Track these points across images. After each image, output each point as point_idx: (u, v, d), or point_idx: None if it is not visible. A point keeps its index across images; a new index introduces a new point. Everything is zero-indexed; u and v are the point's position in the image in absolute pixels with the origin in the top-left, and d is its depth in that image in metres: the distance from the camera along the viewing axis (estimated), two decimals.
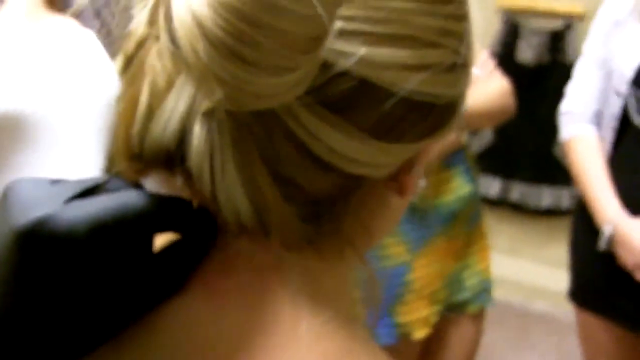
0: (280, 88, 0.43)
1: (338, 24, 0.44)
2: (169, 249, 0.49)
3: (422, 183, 0.56)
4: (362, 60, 0.45)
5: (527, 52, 3.34)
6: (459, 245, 1.83)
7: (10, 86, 1.12)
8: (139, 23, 0.46)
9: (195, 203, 0.49)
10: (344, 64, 0.44)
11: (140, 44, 0.48)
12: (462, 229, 1.83)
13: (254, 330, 0.48)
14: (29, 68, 1.15)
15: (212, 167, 0.46)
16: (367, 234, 0.54)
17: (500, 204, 3.54)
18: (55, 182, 0.49)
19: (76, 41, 1.22)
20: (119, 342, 0.49)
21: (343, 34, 0.44)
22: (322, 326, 0.49)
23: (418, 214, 1.75)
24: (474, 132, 3.39)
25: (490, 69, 1.81)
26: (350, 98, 0.45)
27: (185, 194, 0.49)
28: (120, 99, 0.50)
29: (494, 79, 1.81)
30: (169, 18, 0.42)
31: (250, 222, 0.47)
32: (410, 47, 0.46)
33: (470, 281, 1.87)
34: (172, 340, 0.49)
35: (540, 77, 3.34)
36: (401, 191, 0.53)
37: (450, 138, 1.68)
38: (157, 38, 0.44)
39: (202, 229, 0.49)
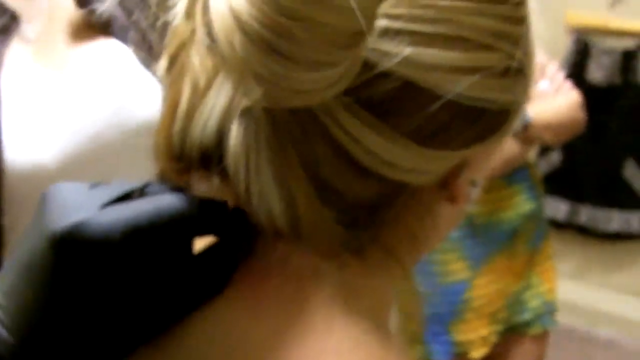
0: (319, 84, 0.41)
1: (382, 22, 0.42)
2: (206, 252, 0.49)
3: (475, 191, 0.53)
4: (407, 61, 0.43)
5: (597, 72, 3.27)
6: (521, 264, 1.80)
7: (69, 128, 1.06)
8: (176, 15, 0.45)
9: (231, 204, 0.48)
10: (387, 63, 0.43)
11: (183, 44, 0.48)
12: (524, 247, 1.80)
13: (287, 338, 0.47)
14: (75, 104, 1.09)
15: (247, 166, 0.45)
16: (413, 243, 0.51)
17: (568, 227, 3.47)
18: (94, 186, 0.49)
19: (117, 69, 1.14)
20: (154, 345, 0.49)
21: (387, 32, 0.42)
22: (355, 338, 0.47)
23: (479, 230, 1.72)
24: (542, 152, 3.33)
25: (559, 82, 1.78)
26: (392, 100, 0.44)
27: (222, 195, 0.48)
28: (163, 98, 0.50)
29: (564, 91, 1.77)
30: (206, 10, 0.41)
31: (283, 224, 0.46)
32: (460, 49, 0.44)
33: (533, 302, 1.83)
34: (206, 345, 0.48)
35: (611, 97, 3.26)
36: (452, 199, 0.50)
37: (515, 153, 1.66)
38: (194, 32, 0.44)
39: (239, 232, 0.48)
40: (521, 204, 1.77)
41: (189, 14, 0.44)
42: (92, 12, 1.10)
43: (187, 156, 0.48)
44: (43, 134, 1.02)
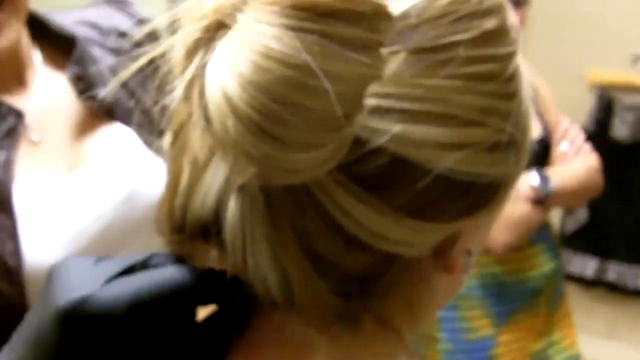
0: (309, 164, 0.42)
1: (371, 102, 0.43)
2: (206, 321, 0.51)
3: (472, 260, 0.53)
4: (397, 138, 0.44)
5: (621, 129, 3.27)
6: (542, 323, 1.81)
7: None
8: (174, 99, 0.46)
9: (229, 274, 0.49)
10: (377, 141, 0.43)
11: (185, 122, 0.50)
12: (546, 306, 1.81)
13: None
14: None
15: (243, 240, 0.47)
16: (410, 313, 0.52)
17: (596, 284, 3.43)
18: (98, 260, 0.51)
19: (122, 157, 1.12)
20: None
21: (376, 111, 0.43)
22: None
23: (503, 288, 1.75)
24: (568, 211, 3.32)
25: (579, 144, 1.79)
26: (383, 175, 0.45)
27: (221, 265, 0.50)
28: (167, 173, 0.52)
29: (582, 156, 1.78)
30: (202, 94, 0.43)
31: (277, 295, 0.47)
32: (449, 125, 0.45)
33: (557, 358, 1.82)
34: None
35: (635, 154, 3.26)
36: (448, 269, 0.51)
37: (537, 220, 1.69)
38: (191, 114, 0.45)
39: (238, 301, 0.50)
40: (543, 264, 1.80)
41: (187, 97, 0.45)
42: (93, 98, 1.10)
43: (187, 229, 0.50)
44: (51, 237, 1.03)
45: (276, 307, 0.49)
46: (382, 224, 0.45)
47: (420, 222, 0.46)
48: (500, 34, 0.48)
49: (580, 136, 1.81)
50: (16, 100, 1.07)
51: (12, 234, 0.99)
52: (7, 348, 0.51)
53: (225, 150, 0.43)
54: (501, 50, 0.48)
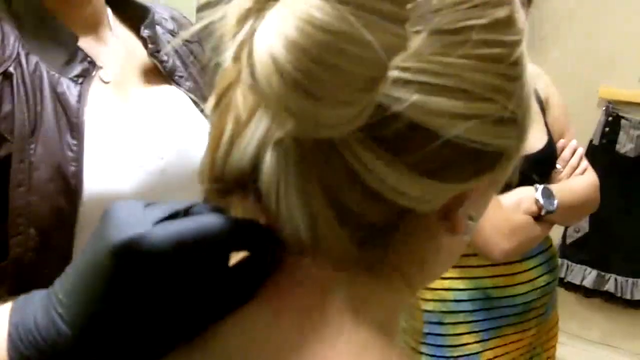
0: (339, 120, 0.48)
1: (394, 73, 0.48)
2: (239, 265, 0.57)
3: (473, 225, 0.60)
4: (414, 106, 0.49)
5: (628, 144, 3.31)
6: (530, 337, 1.81)
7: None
8: (226, 58, 0.51)
9: (262, 223, 0.55)
10: (397, 107, 0.48)
11: (230, 85, 0.55)
12: (535, 320, 1.81)
13: (304, 344, 0.54)
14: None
15: (277, 189, 0.52)
16: (419, 265, 0.59)
17: (595, 294, 3.46)
18: (148, 205, 0.56)
19: (180, 112, 1.29)
20: (191, 344, 0.57)
21: (397, 82, 0.48)
22: (362, 343, 0.54)
23: (493, 303, 1.75)
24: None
25: (574, 166, 1.78)
26: (400, 137, 0.50)
27: (255, 214, 0.56)
28: (210, 130, 0.57)
29: (585, 174, 1.78)
30: (250, 55, 0.48)
31: (305, 240, 0.53)
32: (460, 98, 0.50)
33: None
34: (235, 346, 0.56)
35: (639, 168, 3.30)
36: (452, 229, 0.57)
37: (538, 235, 1.68)
38: (240, 73, 0.50)
39: (269, 248, 0.56)
40: (537, 279, 1.78)
41: (237, 57, 0.50)
42: (160, 61, 1.31)
43: (227, 178, 0.55)
44: (120, 165, 1.15)
45: (303, 253, 0.54)
46: (398, 180, 0.51)
47: (433, 181, 0.52)
48: (508, 23, 0.54)
49: (577, 158, 1.80)
50: (93, 51, 1.23)
51: (78, 158, 1.10)
52: (60, 279, 0.57)
53: (268, 105, 0.49)
54: (508, 37, 0.53)
